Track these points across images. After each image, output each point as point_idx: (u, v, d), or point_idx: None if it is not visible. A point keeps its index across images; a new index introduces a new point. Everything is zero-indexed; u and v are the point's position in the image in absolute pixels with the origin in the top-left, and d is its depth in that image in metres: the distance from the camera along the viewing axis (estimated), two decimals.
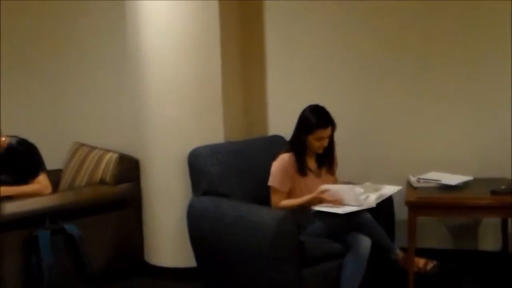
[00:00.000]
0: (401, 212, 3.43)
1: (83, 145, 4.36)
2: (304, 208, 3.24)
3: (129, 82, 3.99)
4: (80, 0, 4.61)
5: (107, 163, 3.95)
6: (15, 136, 3.78)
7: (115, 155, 3.96)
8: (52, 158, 3.99)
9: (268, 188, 3.33)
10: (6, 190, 3.57)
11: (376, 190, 3.26)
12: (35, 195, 3.62)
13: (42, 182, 3.69)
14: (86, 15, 4.64)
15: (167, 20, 3.68)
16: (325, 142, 3.32)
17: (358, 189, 3.17)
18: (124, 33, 3.96)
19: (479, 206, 3.25)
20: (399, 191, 3.36)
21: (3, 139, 3.69)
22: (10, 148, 3.71)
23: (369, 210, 3.16)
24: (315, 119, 3.27)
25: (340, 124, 3.36)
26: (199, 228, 3.41)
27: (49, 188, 3.72)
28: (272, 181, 3.30)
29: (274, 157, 3.37)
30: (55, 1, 4.70)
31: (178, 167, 3.69)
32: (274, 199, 3.31)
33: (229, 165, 3.50)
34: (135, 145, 4.01)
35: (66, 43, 4.76)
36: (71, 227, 3.49)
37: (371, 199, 3.16)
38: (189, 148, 3.57)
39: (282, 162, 3.31)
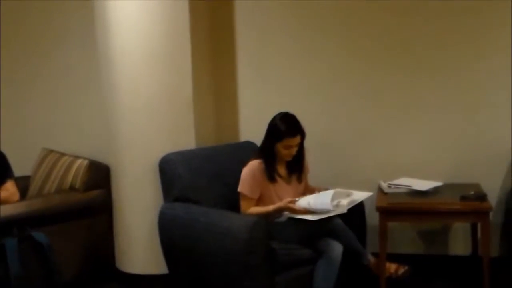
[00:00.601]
0: (372, 218, 3.46)
1: (52, 151, 4.30)
2: (274, 215, 3.24)
3: (99, 88, 3.94)
4: (47, 1, 4.57)
5: (77, 170, 3.90)
6: None
7: (85, 162, 3.92)
8: (20, 165, 3.94)
9: (238, 195, 3.32)
10: None
11: (347, 195, 3.27)
12: (2, 202, 3.55)
13: (9, 189, 3.63)
14: (54, 18, 4.58)
15: (136, 24, 3.63)
16: (293, 151, 3.30)
17: (325, 195, 3.16)
18: (94, 38, 3.92)
19: (449, 212, 3.29)
20: (370, 197, 3.37)
21: None
22: None
23: (341, 215, 3.16)
24: (284, 127, 3.26)
25: (310, 130, 3.36)
26: (170, 234, 3.37)
27: (16, 195, 3.65)
28: (242, 187, 3.29)
29: (244, 164, 3.35)
30: (23, 2, 4.65)
31: (149, 173, 3.65)
32: (243, 205, 3.29)
33: (200, 171, 3.48)
34: (105, 152, 3.97)
35: (35, 47, 4.69)
36: (39, 235, 3.41)
37: (343, 205, 3.16)
38: (160, 154, 3.54)
39: (251, 168, 3.30)
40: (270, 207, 3.23)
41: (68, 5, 4.50)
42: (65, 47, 4.57)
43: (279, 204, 3.20)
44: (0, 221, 3.41)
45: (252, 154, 3.44)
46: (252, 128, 4.04)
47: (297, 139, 3.27)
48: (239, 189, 3.29)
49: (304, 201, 3.14)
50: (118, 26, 3.66)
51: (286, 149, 3.27)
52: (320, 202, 3.11)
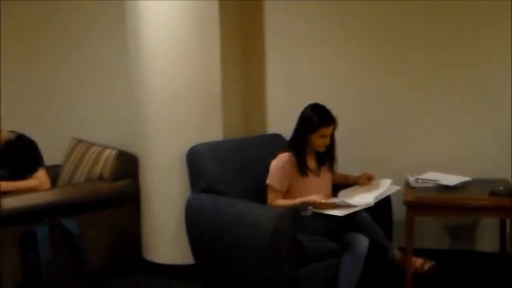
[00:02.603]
0: (399, 212, 3.44)
1: (82, 141, 4.36)
2: (300, 209, 3.24)
3: (129, 78, 3.98)
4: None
5: (106, 160, 3.94)
6: (15, 132, 3.78)
7: (114, 152, 3.95)
8: (51, 154, 3.99)
9: (265, 187, 3.33)
10: (5, 185, 3.57)
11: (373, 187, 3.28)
12: (33, 190, 3.62)
13: (40, 177, 3.68)
14: (85, 11, 4.64)
15: (166, 18, 3.67)
16: (328, 140, 3.31)
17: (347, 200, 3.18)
18: (124, 30, 3.96)
19: (477, 207, 3.25)
20: (397, 191, 3.37)
21: (3, 134, 3.70)
22: (9, 144, 3.71)
23: (367, 209, 3.16)
24: (318, 117, 3.26)
25: (339, 122, 3.35)
26: (197, 225, 3.41)
27: (47, 184, 3.71)
28: (270, 179, 3.30)
29: (273, 156, 3.36)
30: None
31: (177, 164, 3.69)
32: (270, 197, 3.30)
33: (228, 163, 3.50)
34: (134, 142, 4.01)
35: (65, 39, 4.75)
36: (69, 223, 3.48)
37: (370, 199, 3.17)
38: (188, 146, 3.57)
39: (281, 161, 3.30)
40: (297, 201, 3.23)
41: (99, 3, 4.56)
42: (96, 38, 4.63)
43: (306, 198, 3.20)
44: (32, 209, 3.48)
45: (280, 146, 3.45)
46: (280, 120, 4.05)
47: (331, 128, 3.27)
48: (267, 181, 3.30)
49: (333, 199, 3.16)
50: (149, 19, 3.69)
51: (321, 139, 3.27)
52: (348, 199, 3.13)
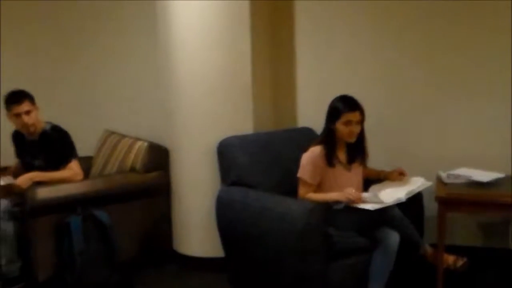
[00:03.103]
0: (430, 208, 3.40)
1: (113, 133, 4.41)
2: (331, 203, 3.23)
3: (160, 71, 4.01)
4: None
5: (137, 152, 3.98)
6: (50, 123, 3.84)
7: (145, 144, 3.99)
8: (83, 145, 4.05)
9: (296, 180, 3.33)
10: (39, 175, 3.64)
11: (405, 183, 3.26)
12: (67, 181, 3.68)
13: (74, 168, 3.74)
14: (117, 6, 4.69)
15: (198, 9, 3.67)
16: (355, 128, 3.25)
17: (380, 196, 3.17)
18: (155, 22, 3.99)
19: (510, 204, 3.20)
20: (429, 187, 3.33)
21: (39, 124, 3.77)
22: (44, 134, 3.79)
23: (398, 205, 3.13)
24: (342, 104, 3.25)
25: (370, 117, 3.33)
26: (227, 218, 3.42)
27: (80, 175, 3.77)
28: (302, 173, 3.29)
29: (304, 149, 3.35)
30: None
31: (207, 156, 3.71)
32: (301, 191, 3.30)
33: (258, 156, 3.51)
34: (165, 134, 4.04)
35: (99, 33, 4.81)
36: (101, 214, 3.54)
37: (401, 194, 3.14)
38: (218, 138, 3.59)
39: (312, 154, 3.29)
40: (328, 196, 3.22)
41: None
42: (130, 33, 4.67)
43: (338, 194, 3.18)
44: (65, 200, 3.54)
45: (311, 140, 3.44)
46: (310, 114, 4.04)
47: (356, 115, 3.23)
48: (298, 175, 3.30)
49: (366, 195, 3.14)
50: (180, 12, 3.71)
51: (346, 126, 3.23)
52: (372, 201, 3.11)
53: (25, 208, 3.50)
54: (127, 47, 4.70)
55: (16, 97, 3.68)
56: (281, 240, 3.01)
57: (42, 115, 3.82)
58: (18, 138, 3.93)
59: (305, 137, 3.65)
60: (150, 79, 4.49)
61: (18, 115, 3.68)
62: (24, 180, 3.58)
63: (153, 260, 3.95)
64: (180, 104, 3.80)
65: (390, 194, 3.19)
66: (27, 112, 3.68)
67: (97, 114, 4.89)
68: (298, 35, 4.18)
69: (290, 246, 2.97)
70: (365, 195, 3.16)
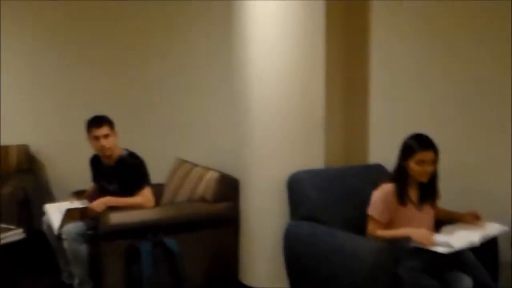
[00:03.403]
0: (506, 253, 3.28)
1: (185, 161, 4.49)
2: (402, 241, 3.16)
3: (233, 102, 4.06)
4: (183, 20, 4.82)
5: (208, 181, 4.04)
6: (127, 149, 3.97)
7: (216, 174, 4.04)
8: (154, 172, 4.14)
9: (366, 217, 3.28)
10: (113, 200, 3.75)
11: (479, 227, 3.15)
12: (139, 207, 3.77)
13: (146, 195, 3.83)
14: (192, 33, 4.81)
15: (273, 43, 3.70)
16: (428, 168, 3.19)
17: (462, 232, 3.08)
18: (231, 53, 4.05)
19: None
20: (504, 232, 3.22)
21: (117, 150, 3.90)
22: (121, 160, 3.91)
23: (472, 249, 3.04)
24: (416, 142, 3.20)
25: (445, 155, 3.26)
26: (294, 252, 3.41)
27: (152, 202, 3.85)
28: (372, 210, 3.25)
29: (375, 186, 3.31)
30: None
31: (277, 189, 3.71)
32: (370, 228, 3.25)
33: (328, 191, 3.49)
34: (235, 165, 4.07)
35: (174, 62, 4.95)
36: (171, 242, 3.59)
37: (475, 237, 3.05)
38: (289, 171, 3.60)
39: (383, 191, 3.25)
40: (399, 231, 3.15)
41: (205, 22, 4.70)
42: (202, 62, 4.78)
43: (411, 231, 3.12)
44: (137, 226, 3.62)
45: (382, 176, 3.40)
46: (383, 151, 3.99)
47: (430, 154, 3.17)
48: (368, 212, 3.25)
49: (439, 239, 3.06)
50: (254, 43, 3.74)
51: (419, 165, 3.18)
52: (456, 238, 3.02)
53: (98, 232, 3.60)
54: (204, 78, 4.81)
55: (97, 121, 3.84)
56: (349, 279, 2.97)
57: (120, 142, 3.94)
58: (96, 162, 4.08)
59: (377, 174, 3.62)
60: (222, 110, 4.57)
61: (96, 138, 3.82)
62: (99, 204, 3.70)
63: None
64: (252, 135, 3.83)
65: (463, 237, 3.10)
66: (106, 136, 3.83)
67: (170, 142, 5.01)
68: (373, 70, 4.16)
69: (359, 285, 2.92)
70: (438, 239, 3.07)
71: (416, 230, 3.10)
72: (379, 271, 2.89)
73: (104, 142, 3.82)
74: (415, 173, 3.21)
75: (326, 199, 3.44)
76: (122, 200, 3.76)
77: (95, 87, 5.22)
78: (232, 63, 4.01)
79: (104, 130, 3.83)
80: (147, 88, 5.15)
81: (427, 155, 3.18)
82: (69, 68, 5.20)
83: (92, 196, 3.98)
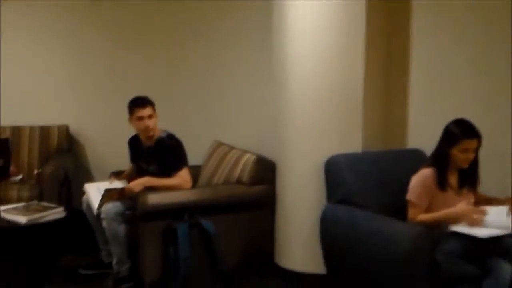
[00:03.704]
0: None
1: (222, 144, 4.51)
2: (440, 225, 3.13)
3: (272, 85, 4.05)
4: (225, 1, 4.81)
5: (245, 164, 4.04)
6: (166, 131, 4.00)
7: (253, 157, 4.04)
8: (192, 154, 4.16)
9: (404, 202, 3.24)
10: (151, 181, 3.79)
11: None
12: (176, 188, 3.80)
13: (184, 176, 3.85)
14: (232, 16, 4.82)
15: (313, 30, 3.68)
16: (471, 155, 3.16)
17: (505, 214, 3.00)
18: (267, 38, 4.04)
19: None
20: None
21: (156, 132, 3.94)
22: (160, 141, 3.94)
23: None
24: (460, 129, 3.15)
25: (485, 140, 3.18)
26: (331, 236, 3.40)
27: (189, 183, 3.88)
28: (411, 195, 3.21)
29: (413, 171, 3.27)
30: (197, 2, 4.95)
31: (314, 172, 3.69)
32: (411, 213, 3.21)
33: (366, 176, 3.46)
34: (272, 147, 4.06)
35: (215, 46, 4.96)
36: (207, 223, 3.61)
37: None
38: (326, 155, 3.58)
39: (422, 176, 3.21)
40: (442, 212, 3.12)
41: (246, 5, 4.69)
42: (240, 45, 4.79)
43: (458, 211, 3.08)
44: (174, 207, 3.66)
45: (420, 162, 3.35)
46: (421, 135, 3.93)
47: (474, 142, 3.13)
48: (408, 196, 3.22)
49: (489, 217, 3.00)
50: (294, 31, 3.73)
51: (463, 153, 3.13)
52: (493, 221, 2.96)
53: (136, 212, 3.65)
54: (242, 60, 4.81)
55: (141, 101, 3.88)
56: (388, 262, 2.95)
57: (158, 124, 3.98)
58: (135, 143, 4.12)
59: (415, 159, 3.57)
60: (261, 92, 4.56)
61: (140, 118, 3.86)
62: (137, 184, 3.74)
63: (255, 272, 3.97)
64: (290, 118, 3.82)
65: (506, 222, 3.04)
66: (149, 116, 3.86)
67: (208, 124, 5.04)
68: (413, 57, 4.08)
69: (396, 270, 2.90)
70: (488, 218, 3.01)
71: (457, 209, 3.07)
72: (416, 256, 2.85)
73: (148, 122, 3.86)
74: (458, 160, 3.16)
75: (363, 183, 3.41)
76: (160, 181, 3.80)
77: (134, 69, 5.26)
78: (271, 45, 4.00)
79: (148, 110, 3.87)
80: (186, 70, 5.18)
81: (472, 143, 3.13)
82: (110, 50, 5.25)
83: (131, 177, 4.03)
